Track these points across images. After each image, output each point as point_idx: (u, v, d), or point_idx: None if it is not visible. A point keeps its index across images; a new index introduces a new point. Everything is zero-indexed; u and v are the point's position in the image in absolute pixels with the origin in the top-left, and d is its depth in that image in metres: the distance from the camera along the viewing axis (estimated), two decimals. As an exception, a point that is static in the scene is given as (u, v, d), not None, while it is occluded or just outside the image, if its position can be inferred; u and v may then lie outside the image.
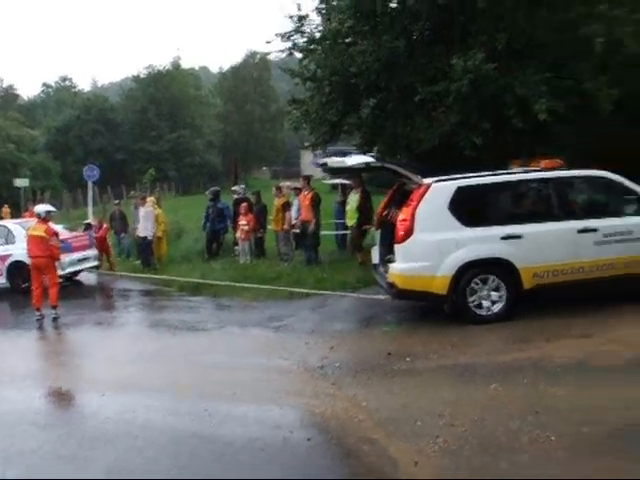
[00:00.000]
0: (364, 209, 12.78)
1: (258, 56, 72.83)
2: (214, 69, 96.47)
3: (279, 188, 15.52)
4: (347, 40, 12.93)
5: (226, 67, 79.74)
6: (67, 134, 60.89)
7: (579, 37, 11.22)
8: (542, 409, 5.43)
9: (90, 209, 22.20)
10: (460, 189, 8.39)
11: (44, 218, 11.63)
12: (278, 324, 9.51)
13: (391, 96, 13.30)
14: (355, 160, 8.88)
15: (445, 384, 6.32)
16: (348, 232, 14.74)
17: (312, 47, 13.92)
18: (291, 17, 13.79)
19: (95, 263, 15.68)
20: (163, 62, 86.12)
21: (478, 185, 8.58)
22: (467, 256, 8.19)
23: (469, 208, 8.46)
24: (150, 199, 16.95)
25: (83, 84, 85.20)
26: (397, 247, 8.44)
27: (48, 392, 7.43)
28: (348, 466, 4.78)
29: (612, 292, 8.36)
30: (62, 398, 7.24)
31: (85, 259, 15.18)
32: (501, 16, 11.61)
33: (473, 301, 8.24)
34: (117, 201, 21.58)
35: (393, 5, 12.53)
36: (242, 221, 14.88)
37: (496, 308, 8.27)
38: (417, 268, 8.23)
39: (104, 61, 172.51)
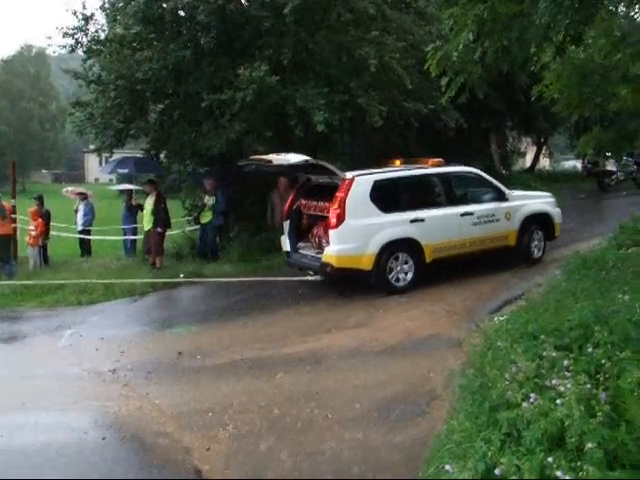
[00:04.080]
0: (159, 212, 12.93)
1: (35, 50, 68.16)
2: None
3: None
4: (134, 45, 12.85)
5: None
6: None
7: (355, 57, 12.37)
8: (322, 392, 6.06)
9: None
10: (376, 182, 9.75)
11: None
12: (66, 332, 9.29)
13: (178, 102, 13.51)
14: (296, 158, 9.64)
15: (235, 377, 6.70)
16: (138, 237, 14.70)
17: (97, 48, 13.63)
18: (75, 14, 13.40)
19: None
20: None
21: (389, 178, 10.03)
22: (386, 237, 9.57)
23: (384, 197, 9.80)
24: None
25: None
26: (331, 232, 9.54)
27: None
28: (144, 458, 4.98)
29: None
30: None
31: None
32: (285, 33, 12.37)
33: (390, 274, 9.61)
34: None
35: (182, 14, 12.70)
36: (30, 226, 14.18)
37: (406, 280, 9.76)
38: (349, 249, 9.47)
39: None
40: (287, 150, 10.57)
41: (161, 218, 12.95)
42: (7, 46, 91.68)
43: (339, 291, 10.13)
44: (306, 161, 9.68)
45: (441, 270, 10.08)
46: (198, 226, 14.23)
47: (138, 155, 17.87)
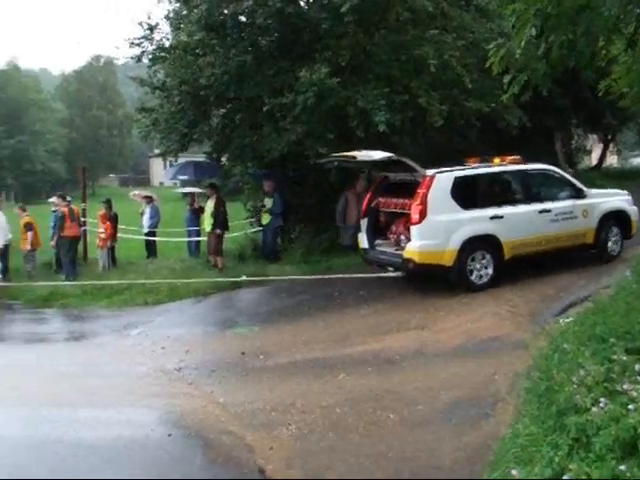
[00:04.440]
0: (219, 214, 13.30)
1: (103, 60, 70.48)
2: (55, 71, 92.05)
3: (23, 208, 15.68)
4: (197, 51, 13.12)
5: (68, 70, 76.34)
6: None
7: (414, 57, 12.27)
8: (384, 393, 6.04)
9: None
10: (457, 178, 9.75)
11: None
12: (133, 331, 9.57)
13: (240, 106, 13.72)
14: (380, 154, 9.75)
15: (297, 377, 6.75)
16: (202, 239, 15.04)
17: (161, 55, 13.99)
18: (140, 24, 13.79)
19: None
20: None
21: (469, 175, 10.04)
22: (467, 233, 9.56)
23: (465, 194, 9.78)
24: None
25: None
26: (413, 228, 9.56)
27: None
28: (208, 455, 5.07)
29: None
30: None
31: None
32: (344, 35, 12.39)
33: (470, 271, 9.59)
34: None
35: (242, 19, 12.89)
36: (99, 228, 14.71)
37: (486, 276, 9.68)
38: (431, 245, 9.47)
39: None
40: (347, 151, 10.60)
41: (220, 220, 13.36)
42: (78, 58, 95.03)
43: (399, 292, 10.09)
44: (389, 157, 9.70)
45: (507, 271, 9.92)
46: (260, 228, 14.46)
47: (199, 159, 18.21)
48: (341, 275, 11.15)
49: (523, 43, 6.98)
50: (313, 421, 5.52)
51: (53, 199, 16.13)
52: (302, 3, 13.36)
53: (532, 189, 10.52)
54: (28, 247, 14.72)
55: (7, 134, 59.52)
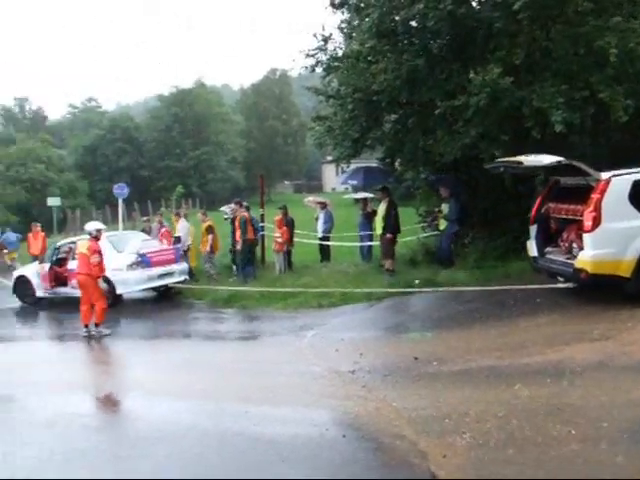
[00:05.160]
0: (391, 218, 13.48)
1: (278, 72, 73.80)
2: (235, 86, 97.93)
3: (204, 213, 16.62)
4: (369, 58, 13.34)
5: (247, 84, 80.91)
6: (94, 153, 62.42)
7: (594, 49, 11.55)
8: (564, 406, 5.74)
9: (121, 226, 22.86)
10: (636, 182, 9.02)
11: (95, 236, 11.68)
12: (308, 332, 9.92)
13: (412, 111, 13.74)
14: (549, 159, 9.44)
15: (471, 385, 6.63)
16: (374, 243, 15.25)
17: (335, 64, 14.39)
18: (315, 35, 14.29)
19: (180, 278, 14.91)
20: (186, 81, 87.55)
21: None
22: None
23: None
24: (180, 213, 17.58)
25: (108, 104, 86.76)
26: (586, 236, 9.05)
27: (96, 397, 7.91)
28: (381, 458, 5.14)
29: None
30: (110, 403, 7.69)
31: (168, 274, 14.63)
32: (518, 32, 11.97)
33: None
34: (145, 218, 22.17)
35: (413, 24, 12.91)
36: (276, 233, 15.46)
37: None
38: (606, 254, 8.87)
39: (127, 81, 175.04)
40: (522, 153, 10.19)
41: (391, 224, 13.49)
42: (256, 72, 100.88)
43: (577, 301, 9.56)
44: (559, 162, 9.20)
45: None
46: (434, 233, 14.41)
47: (371, 165, 18.45)
48: (507, 287, 10.71)
49: None
50: (488, 431, 5.38)
51: (224, 208, 17.41)
52: (474, 3, 13.10)
53: None
54: (208, 249, 15.78)
55: (193, 146, 64.43)
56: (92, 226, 12.09)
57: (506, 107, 11.65)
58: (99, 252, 11.59)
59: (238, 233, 14.91)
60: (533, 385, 6.38)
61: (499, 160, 10.52)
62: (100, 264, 11.52)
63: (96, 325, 11.32)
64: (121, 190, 22.96)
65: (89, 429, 6.48)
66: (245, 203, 16.40)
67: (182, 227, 16.61)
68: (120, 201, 23.12)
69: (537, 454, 4.90)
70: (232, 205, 16.44)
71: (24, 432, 6.46)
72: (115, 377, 9.16)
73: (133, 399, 7.75)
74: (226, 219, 16.34)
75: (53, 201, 35.06)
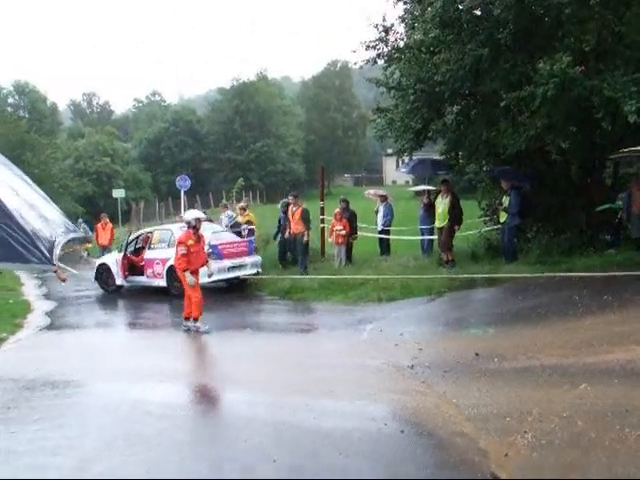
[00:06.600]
0: (455, 212, 13.60)
1: (339, 64, 73.68)
2: (296, 79, 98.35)
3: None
4: (431, 49, 13.13)
5: (307, 76, 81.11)
6: (157, 146, 63.83)
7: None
8: (633, 409, 5.50)
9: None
10: None
11: (194, 226, 10.81)
12: (367, 326, 9.86)
13: (475, 103, 13.49)
14: None
15: (534, 383, 6.44)
16: (434, 237, 15.08)
17: (397, 55, 14.22)
18: (376, 26, 14.14)
19: (253, 271, 14.89)
20: (247, 74, 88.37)
21: None
22: None
23: None
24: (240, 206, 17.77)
25: (171, 98, 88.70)
26: None
27: (163, 386, 7.95)
28: (440, 455, 5.04)
29: None
30: (172, 392, 7.74)
31: (240, 266, 14.60)
32: (588, 18, 11.54)
33: None
34: (205, 210, 22.60)
35: (477, 13, 12.63)
36: (337, 226, 15.47)
37: None
38: None
39: (190, 74, 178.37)
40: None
41: (457, 215, 13.60)
42: (317, 64, 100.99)
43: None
44: None
45: None
46: (495, 226, 14.16)
47: (434, 157, 18.23)
48: (582, 273, 10.37)
49: None
50: (551, 431, 5.20)
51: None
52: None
53: None
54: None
55: (254, 138, 65.07)
56: (191, 215, 11.27)
57: (575, 97, 11.27)
58: (182, 242, 10.76)
59: (294, 225, 14.97)
60: (599, 385, 6.14)
61: (624, 150, 10.14)
62: (185, 256, 10.66)
63: (194, 320, 10.69)
64: (183, 182, 23.40)
65: (153, 415, 6.58)
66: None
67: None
68: (182, 193, 23.56)
69: (604, 457, 4.71)
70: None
71: (92, 417, 6.63)
72: (177, 368, 9.14)
73: (196, 389, 7.83)
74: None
75: (118, 193, 35.99)
